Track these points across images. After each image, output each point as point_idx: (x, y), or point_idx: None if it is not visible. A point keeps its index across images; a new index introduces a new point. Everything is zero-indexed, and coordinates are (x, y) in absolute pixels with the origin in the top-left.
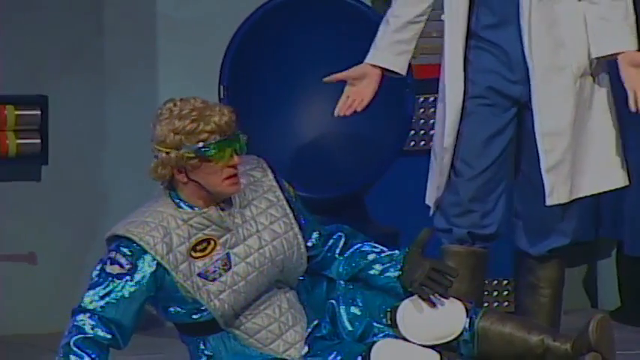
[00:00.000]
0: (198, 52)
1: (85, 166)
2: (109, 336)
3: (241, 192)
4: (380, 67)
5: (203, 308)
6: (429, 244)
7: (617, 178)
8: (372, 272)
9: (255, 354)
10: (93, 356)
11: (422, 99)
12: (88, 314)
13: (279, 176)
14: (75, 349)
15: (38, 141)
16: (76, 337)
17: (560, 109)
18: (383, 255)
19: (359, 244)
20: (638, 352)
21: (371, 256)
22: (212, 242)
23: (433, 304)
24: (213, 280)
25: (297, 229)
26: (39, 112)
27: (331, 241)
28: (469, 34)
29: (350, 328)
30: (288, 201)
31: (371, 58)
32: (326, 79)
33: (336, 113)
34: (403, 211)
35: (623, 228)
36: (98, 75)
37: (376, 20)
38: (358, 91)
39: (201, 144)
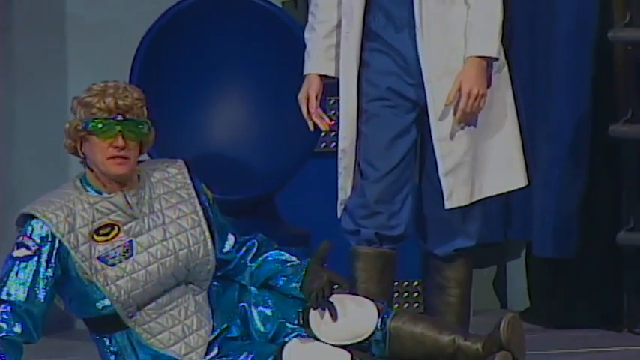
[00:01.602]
0: (108, 52)
1: None
2: (20, 330)
3: (153, 185)
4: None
5: (103, 297)
6: (330, 254)
7: (517, 179)
8: (277, 282)
9: (161, 352)
10: (3, 358)
11: (332, 100)
12: (1, 306)
13: (197, 178)
14: None
15: None
16: None
17: (453, 114)
18: (286, 265)
19: (268, 253)
20: (547, 352)
21: (277, 266)
22: (116, 228)
23: (333, 313)
24: (113, 265)
25: (205, 227)
26: None
27: (244, 248)
28: (366, 36)
29: (262, 329)
30: (200, 201)
31: (308, 68)
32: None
33: (312, 128)
34: (314, 212)
35: (532, 229)
36: (7, 75)
37: (286, 20)
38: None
39: (91, 117)
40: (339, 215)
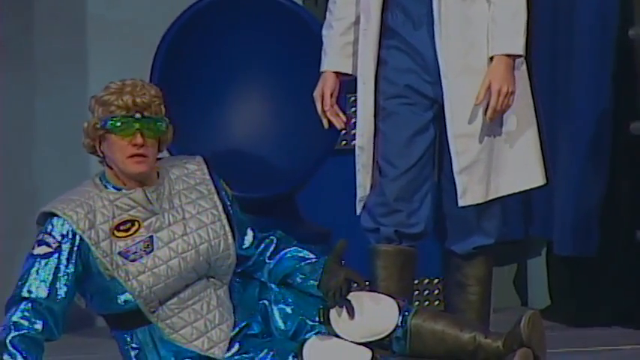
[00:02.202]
0: (129, 51)
1: (14, 166)
2: (41, 327)
3: (172, 181)
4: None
5: (125, 292)
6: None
7: (535, 178)
8: (295, 280)
9: (182, 348)
10: (25, 355)
11: (352, 98)
12: (20, 304)
13: (216, 175)
14: (10, 347)
15: None
16: (12, 334)
17: (472, 111)
18: (304, 263)
19: (287, 250)
20: (568, 350)
21: (295, 264)
22: (136, 223)
23: (351, 311)
24: (134, 260)
25: (225, 221)
26: None
27: (263, 245)
28: (384, 34)
29: (282, 327)
30: (219, 197)
31: (325, 65)
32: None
33: (326, 126)
34: (335, 210)
35: (553, 227)
36: (28, 74)
37: (307, 18)
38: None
39: (109, 116)
40: (358, 212)
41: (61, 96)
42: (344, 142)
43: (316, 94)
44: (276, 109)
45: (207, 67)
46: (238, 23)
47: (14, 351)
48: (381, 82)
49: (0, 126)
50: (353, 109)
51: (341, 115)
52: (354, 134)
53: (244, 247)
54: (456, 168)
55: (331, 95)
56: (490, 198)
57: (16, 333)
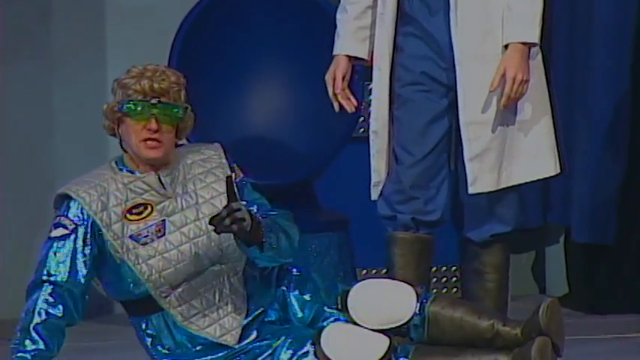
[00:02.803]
0: (147, 38)
1: (33, 153)
2: (62, 312)
3: (188, 165)
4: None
5: (135, 277)
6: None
7: (548, 167)
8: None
9: (197, 335)
10: (47, 342)
11: (370, 85)
12: (41, 288)
13: (231, 159)
14: (34, 334)
15: None
16: (35, 320)
17: (485, 99)
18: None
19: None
20: (586, 337)
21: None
22: (149, 207)
23: (380, 288)
24: (145, 244)
25: None
26: None
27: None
28: (400, 20)
29: (300, 315)
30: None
31: (338, 49)
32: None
33: (337, 109)
34: (352, 197)
35: (571, 215)
36: (46, 61)
37: (324, 4)
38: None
39: (126, 99)
40: (373, 197)
41: (79, 84)
42: (362, 130)
43: (328, 77)
44: (294, 97)
45: (225, 52)
46: (256, 10)
47: (37, 337)
48: (397, 68)
49: (19, 114)
50: (370, 97)
51: (352, 99)
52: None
53: None
54: (466, 155)
55: (343, 78)
56: (502, 186)
57: (39, 319)
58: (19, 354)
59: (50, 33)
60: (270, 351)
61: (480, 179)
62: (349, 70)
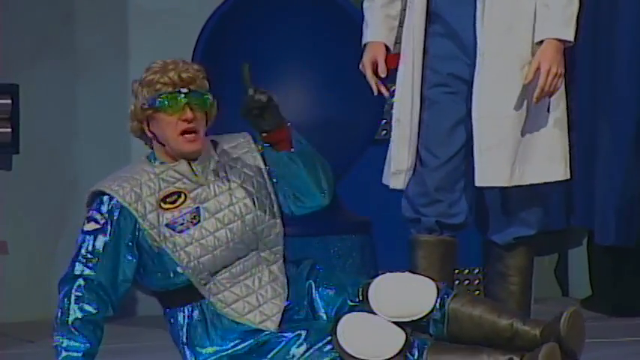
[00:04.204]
0: (170, 40)
1: (55, 155)
2: (95, 307)
3: (219, 152)
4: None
5: (174, 265)
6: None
7: (560, 171)
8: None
9: (231, 329)
10: (84, 341)
11: (393, 88)
12: (74, 283)
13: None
14: (72, 329)
15: (9, 130)
16: (71, 318)
17: (503, 92)
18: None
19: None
20: (608, 340)
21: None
22: (183, 195)
23: (402, 281)
24: (181, 232)
25: (270, 188)
26: (9, 101)
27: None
28: (428, 18)
29: (324, 317)
30: (264, 161)
31: (369, 37)
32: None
33: (376, 92)
34: (374, 199)
35: (594, 217)
36: (69, 63)
37: (348, 7)
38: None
39: (156, 95)
40: (392, 185)
41: (102, 85)
42: (385, 132)
43: (366, 60)
44: (317, 100)
45: (247, 55)
46: (280, 11)
47: (77, 333)
48: (424, 70)
49: (42, 117)
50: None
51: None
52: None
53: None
54: (476, 147)
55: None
56: (515, 184)
57: (76, 316)
58: (65, 354)
59: (73, 36)
60: (282, 344)
61: (490, 172)
62: (385, 55)
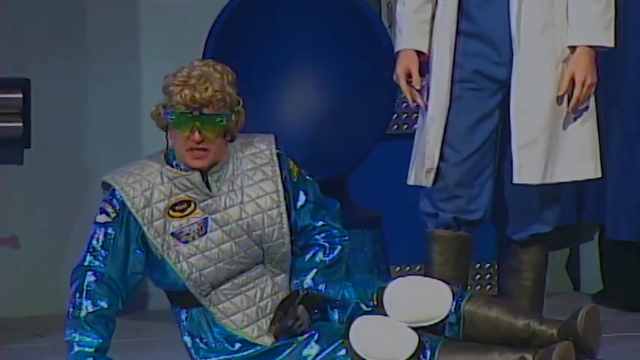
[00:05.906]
0: (181, 34)
1: (67, 149)
2: (107, 301)
3: (239, 160)
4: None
5: (175, 274)
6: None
7: (589, 169)
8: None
9: (235, 334)
10: (96, 336)
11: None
12: (85, 276)
13: (285, 154)
14: (85, 324)
15: (20, 124)
16: (83, 313)
17: (538, 89)
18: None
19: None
20: (620, 334)
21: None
22: (192, 204)
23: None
24: (186, 242)
25: (283, 208)
26: (21, 96)
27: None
28: (459, 17)
29: (337, 314)
30: (282, 178)
31: (402, 44)
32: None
33: (412, 103)
34: (385, 194)
35: (606, 212)
36: (80, 58)
37: (358, 2)
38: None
39: (170, 108)
40: (424, 183)
41: (113, 80)
42: (395, 127)
43: (400, 73)
44: (328, 95)
45: (258, 50)
46: (290, 7)
47: (89, 328)
48: (453, 68)
49: (53, 111)
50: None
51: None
52: (406, 118)
53: (297, 228)
54: (514, 143)
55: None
56: (546, 182)
57: (87, 311)
58: (78, 349)
59: (85, 30)
60: (294, 346)
61: (527, 169)
62: (418, 63)
